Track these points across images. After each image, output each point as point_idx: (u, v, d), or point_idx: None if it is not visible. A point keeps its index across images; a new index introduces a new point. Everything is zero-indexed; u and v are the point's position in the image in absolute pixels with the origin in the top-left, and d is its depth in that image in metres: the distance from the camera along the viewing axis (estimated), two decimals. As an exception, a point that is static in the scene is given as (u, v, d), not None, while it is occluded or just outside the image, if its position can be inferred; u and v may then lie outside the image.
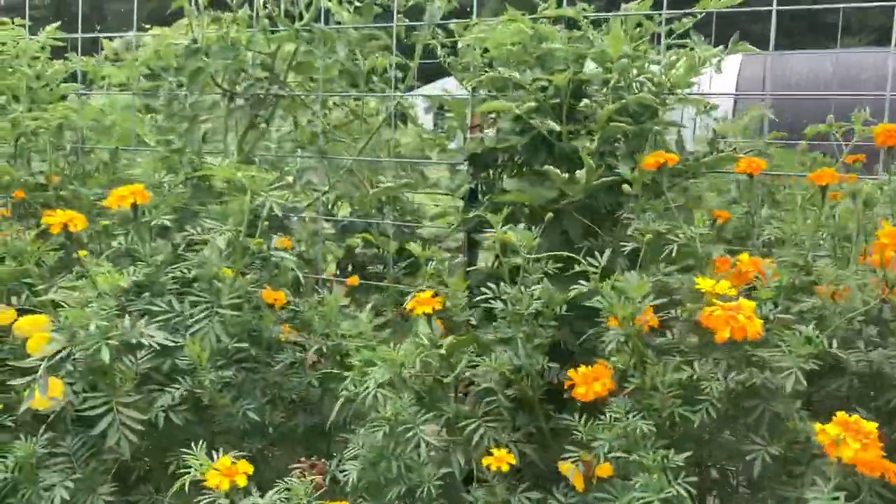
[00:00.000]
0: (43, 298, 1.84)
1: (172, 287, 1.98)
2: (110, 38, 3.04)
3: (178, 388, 1.76)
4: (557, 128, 1.84)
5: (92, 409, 1.67)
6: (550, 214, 1.78)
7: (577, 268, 1.47)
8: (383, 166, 3.12)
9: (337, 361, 2.02)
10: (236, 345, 1.83)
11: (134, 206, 1.96)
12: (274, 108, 2.50)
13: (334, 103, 2.74)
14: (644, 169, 1.70)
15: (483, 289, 1.70)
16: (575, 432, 1.49)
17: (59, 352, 1.68)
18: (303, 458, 1.59)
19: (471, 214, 2.08)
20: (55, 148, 2.50)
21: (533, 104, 1.86)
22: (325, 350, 1.92)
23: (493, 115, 2.12)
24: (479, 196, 2.24)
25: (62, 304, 1.84)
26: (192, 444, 1.95)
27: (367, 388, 1.51)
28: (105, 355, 1.60)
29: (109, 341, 1.63)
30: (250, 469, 1.32)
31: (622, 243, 1.70)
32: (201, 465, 1.36)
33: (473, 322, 1.70)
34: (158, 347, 1.72)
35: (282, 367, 1.92)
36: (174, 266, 1.97)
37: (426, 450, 1.45)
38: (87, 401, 1.70)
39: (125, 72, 2.52)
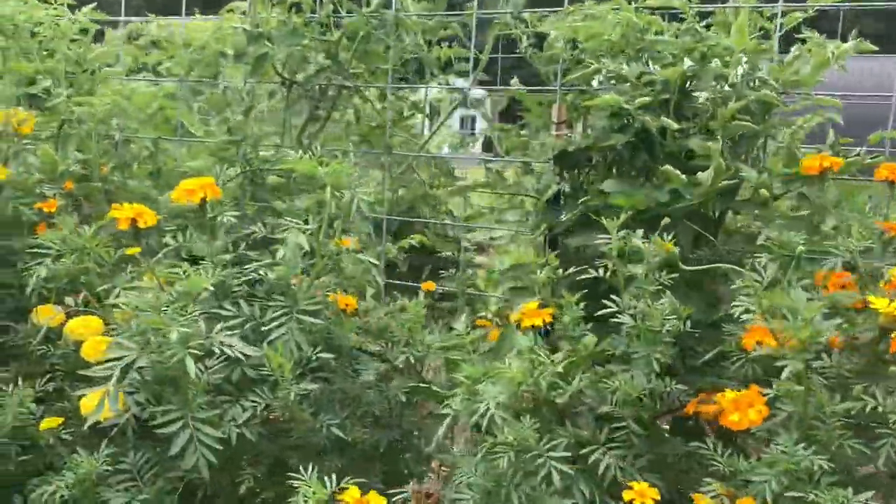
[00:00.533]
0: (109, 302, 1.67)
1: (237, 289, 1.83)
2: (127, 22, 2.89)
3: (259, 402, 1.60)
4: (675, 125, 1.69)
5: (166, 426, 1.51)
6: (667, 219, 1.63)
7: (739, 283, 1.32)
8: (420, 162, 2.97)
9: (417, 374, 1.87)
10: (319, 354, 1.67)
11: (203, 202, 1.81)
12: (336, 99, 2.34)
13: (396, 96, 2.58)
14: (776, 171, 1.55)
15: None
16: (713, 462, 1.35)
17: (132, 360, 1.51)
18: (413, 483, 1.44)
19: (563, 217, 1.92)
20: (101, 137, 2.32)
21: (646, 99, 1.71)
22: (412, 360, 1.77)
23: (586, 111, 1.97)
24: (563, 198, 2.08)
25: (121, 305, 1.68)
26: (262, 460, 1.81)
27: (487, 407, 1.36)
28: (190, 367, 1.44)
29: (191, 350, 1.47)
30: (383, 502, 1.16)
31: (751, 254, 1.56)
32: (314, 492, 1.20)
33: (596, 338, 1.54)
34: (242, 357, 1.56)
35: (364, 378, 1.76)
36: (245, 267, 1.81)
37: (558, 480, 1.29)
38: (155, 415, 1.54)
39: (178, 61, 2.34)
